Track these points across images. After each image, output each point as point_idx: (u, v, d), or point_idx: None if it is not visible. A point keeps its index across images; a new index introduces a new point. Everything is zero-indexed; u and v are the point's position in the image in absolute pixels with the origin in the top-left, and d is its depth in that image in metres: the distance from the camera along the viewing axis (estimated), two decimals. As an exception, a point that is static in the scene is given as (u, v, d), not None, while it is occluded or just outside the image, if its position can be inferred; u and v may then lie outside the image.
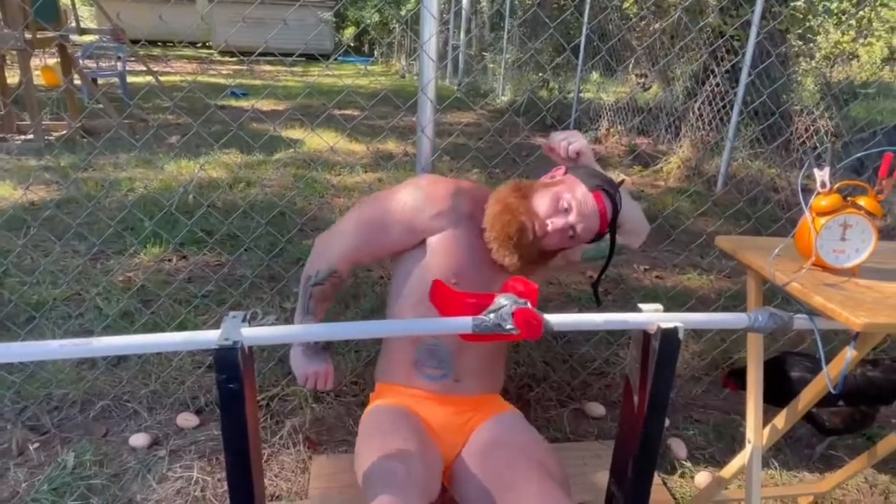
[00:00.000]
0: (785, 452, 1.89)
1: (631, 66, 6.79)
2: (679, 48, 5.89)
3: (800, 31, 5.94)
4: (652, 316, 1.05)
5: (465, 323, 0.98)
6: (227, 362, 0.90)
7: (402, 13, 14.14)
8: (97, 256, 2.85)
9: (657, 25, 6.24)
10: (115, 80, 7.09)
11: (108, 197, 3.65)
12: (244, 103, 7.49)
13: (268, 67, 12.43)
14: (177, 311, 2.34)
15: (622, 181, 1.32)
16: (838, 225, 1.11)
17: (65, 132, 5.07)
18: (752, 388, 1.33)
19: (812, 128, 4.57)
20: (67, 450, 1.71)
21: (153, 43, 15.02)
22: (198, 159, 4.53)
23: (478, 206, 1.32)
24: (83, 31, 6.91)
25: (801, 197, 1.13)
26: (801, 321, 1.08)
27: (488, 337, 0.99)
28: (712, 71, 5.19)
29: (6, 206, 3.40)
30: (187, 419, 1.86)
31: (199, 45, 16.47)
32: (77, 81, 5.87)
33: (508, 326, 0.96)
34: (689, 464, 1.83)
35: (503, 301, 0.98)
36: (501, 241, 1.25)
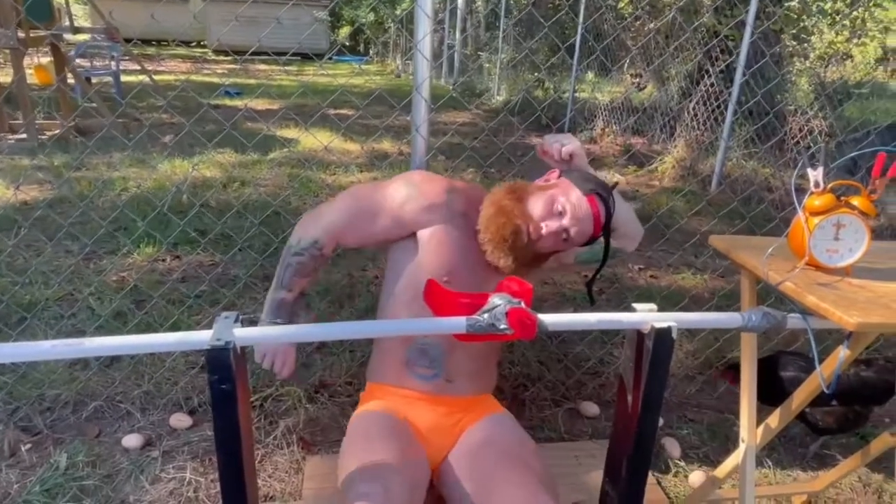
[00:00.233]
0: (779, 451, 1.90)
1: (626, 65, 6.80)
2: (674, 48, 5.90)
3: (794, 31, 5.96)
4: (646, 315, 1.05)
5: (459, 323, 0.98)
6: (219, 363, 0.90)
7: (397, 12, 14.14)
8: (90, 256, 2.84)
9: (652, 25, 6.25)
10: (109, 79, 7.06)
11: (101, 196, 3.64)
12: (238, 102, 7.47)
13: (262, 66, 12.41)
14: (170, 311, 2.33)
15: (616, 184, 1.33)
16: (832, 224, 1.11)
17: (58, 131, 5.04)
18: (745, 388, 1.33)
19: (806, 128, 4.59)
20: (60, 451, 1.70)
21: (147, 42, 14.97)
22: (191, 159, 4.51)
23: (472, 206, 1.32)
24: (76, 30, 6.87)
25: (794, 196, 1.13)
26: (794, 320, 1.08)
27: (482, 337, 0.98)
28: (707, 71, 5.20)
29: (-2, 206, 3.39)
30: (180, 420, 1.85)
31: (193, 44, 16.42)
32: (70, 80, 5.84)
33: (502, 326, 0.96)
34: (683, 463, 1.84)
35: (497, 301, 0.98)
36: (496, 244, 1.25)
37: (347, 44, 17.92)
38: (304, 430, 1.85)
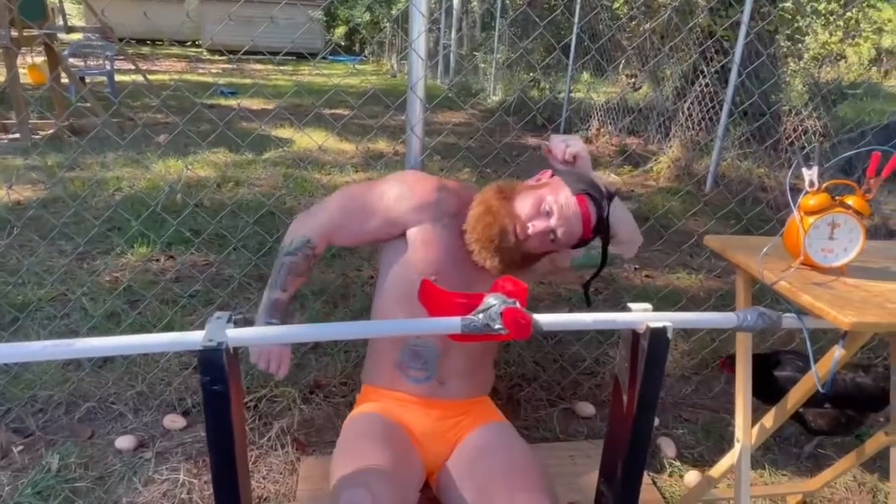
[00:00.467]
0: (774, 451, 1.90)
1: (621, 66, 6.81)
2: (669, 48, 5.91)
3: (788, 31, 5.98)
4: (641, 315, 1.05)
5: (453, 323, 0.97)
6: (212, 364, 0.89)
7: (393, 12, 14.12)
8: (83, 256, 2.82)
9: (647, 25, 6.25)
10: (103, 78, 7.03)
11: (95, 196, 3.62)
12: (233, 102, 7.44)
13: (257, 66, 12.37)
14: (164, 311, 2.32)
15: (617, 190, 1.31)
16: (826, 224, 1.11)
17: (51, 131, 5.02)
18: (740, 388, 1.33)
19: (801, 128, 4.60)
20: (52, 452, 1.68)
21: (141, 41, 14.91)
22: (186, 158, 4.49)
23: (464, 206, 1.31)
24: (70, 29, 6.85)
25: (789, 196, 1.13)
26: (789, 320, 1.08)
27: (477, 337, 0.98)
28: (702, 71, 5.21)
29: (-9, 206, 3.36)
30: (174, 421, 1.84)
31: (187, 43, 16.37)
32: (64, 80, 5.81)
33: (497, 326, 0.95)
34: (678, 463, 1.84)
35: (492, 301, 0.97)
36: (482, 244, 1.24)
37: (343, 43, 17.89)
38: (299, 431, 1.84)
